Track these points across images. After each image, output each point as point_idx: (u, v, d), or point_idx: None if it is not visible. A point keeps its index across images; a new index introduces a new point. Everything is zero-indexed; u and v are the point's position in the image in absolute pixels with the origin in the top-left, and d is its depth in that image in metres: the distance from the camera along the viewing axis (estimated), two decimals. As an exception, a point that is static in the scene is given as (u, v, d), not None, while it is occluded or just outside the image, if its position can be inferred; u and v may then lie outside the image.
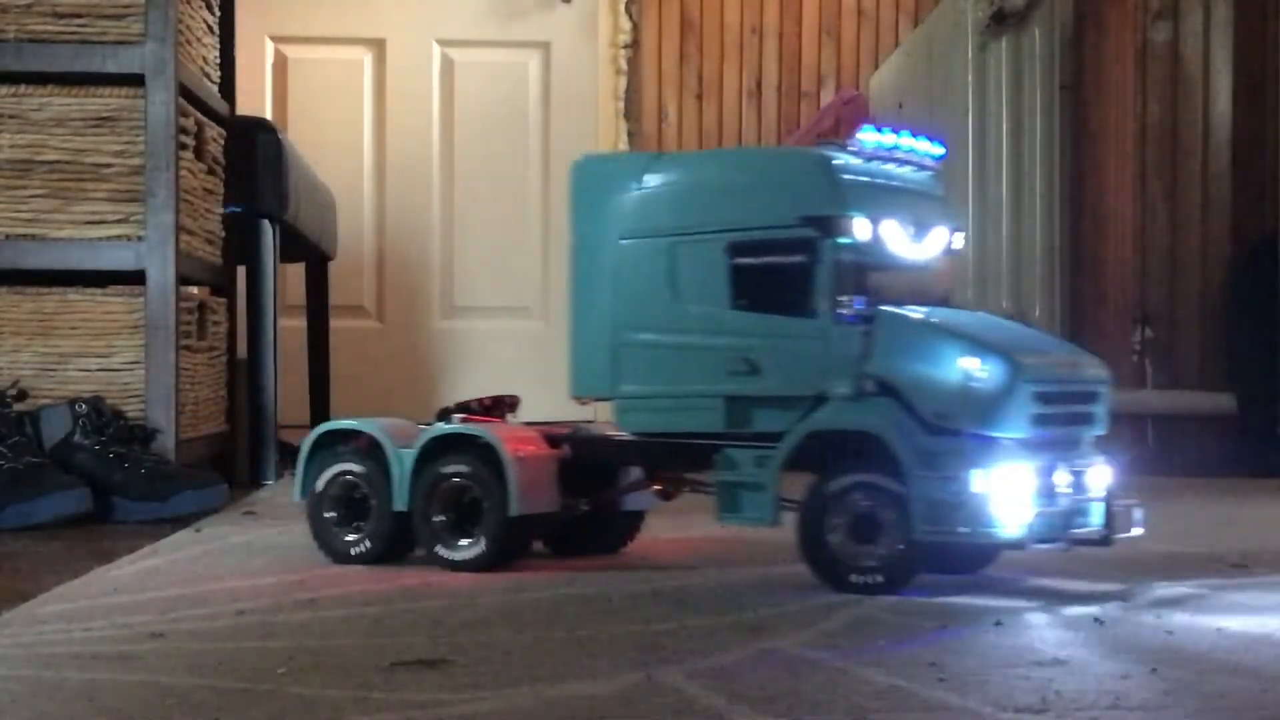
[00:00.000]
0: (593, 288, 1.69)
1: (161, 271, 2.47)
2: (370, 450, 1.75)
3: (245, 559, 1.80)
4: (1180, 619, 1.40)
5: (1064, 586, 1.59)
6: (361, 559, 1.74)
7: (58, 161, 2.48)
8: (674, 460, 1.69)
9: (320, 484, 1.76)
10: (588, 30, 4.73)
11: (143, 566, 1.74)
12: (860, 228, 1.54)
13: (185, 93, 2.56)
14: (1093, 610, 1.44)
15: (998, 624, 1.36)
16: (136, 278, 2.48)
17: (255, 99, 4.42)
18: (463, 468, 1.68)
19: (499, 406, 1.81)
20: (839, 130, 4.65)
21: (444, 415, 1.80)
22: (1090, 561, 1.77)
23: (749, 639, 1.29)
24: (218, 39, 2.92)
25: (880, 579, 1.50)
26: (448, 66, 4.73)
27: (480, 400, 1.82)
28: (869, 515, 1.50)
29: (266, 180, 2.93)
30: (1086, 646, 1.26)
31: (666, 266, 1.63)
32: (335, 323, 3.92)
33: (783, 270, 1.57)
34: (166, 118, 2.48)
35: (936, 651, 1.23)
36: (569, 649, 1.24)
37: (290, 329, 3.56)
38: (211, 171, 2.77)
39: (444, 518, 1.70)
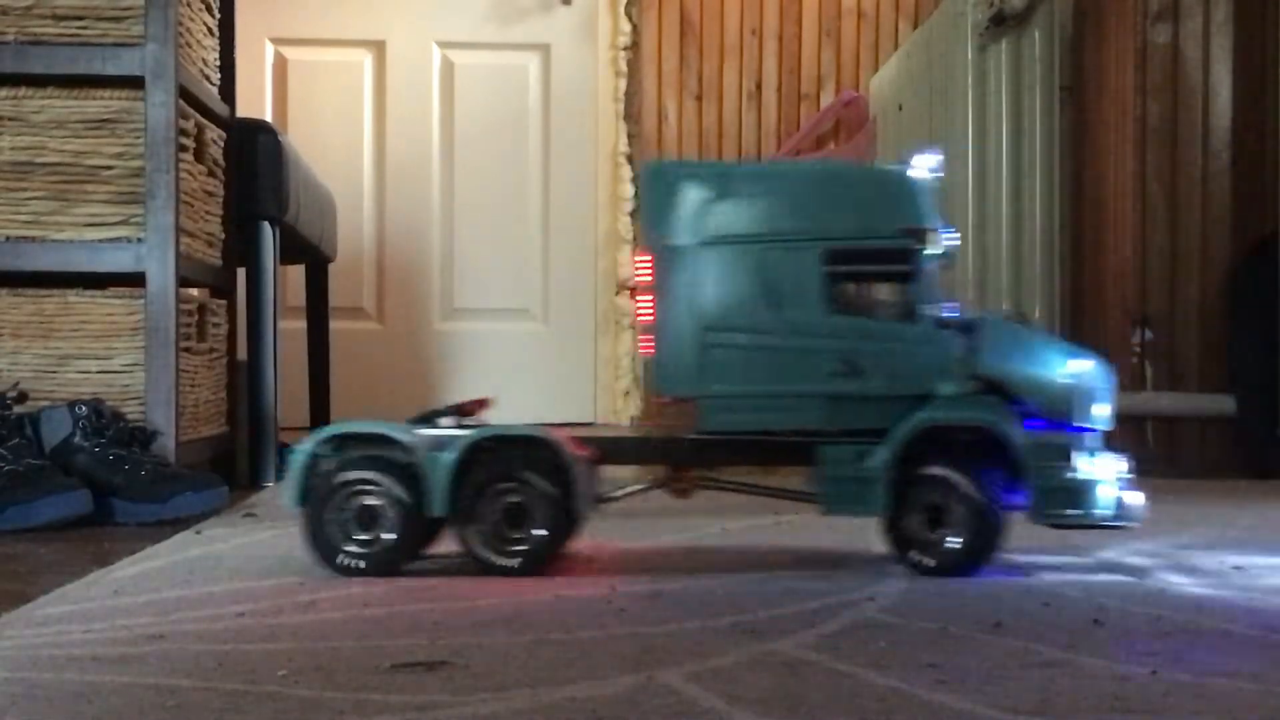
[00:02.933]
0: (676, 289, 1.74)
1: (161, 273, 2.48)
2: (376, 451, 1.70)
3: (245, 561, 1.80)
4: (1180, 621, 1.40)
5: (1063, 588, 1.59)
6: (372, 567, 1.68)
7: (58, 164, 2.48)
8: (746, 457, 1.75)
9: (325, 489, 1.69)
10: (587, 32, 4.73)
11: (143, 568, 1.74)
12: (949, 239, 1.70)
13: (185, 95, 2.56)
14: (1092, 612, 1.44)
15: (997, 625, 1.36)
16: (136, 280, 2.48)
17: (255, 101, 4.43)
18: (507, 468, 1.67)
19: (480, 408, 1.81)
20: (839, 132, 4.66)
21: (425, 419, 1.76)
22: (1089, 563, 1.77)
23: (749, 641, 1.29)
24: (218, 41, 2.93)
25: (932, 562, 1.66)
26: (448, 68, 4.73)
27: (464, 404, 1.80)
28: (940, 506, 1.65)
29: (266, 182, 2.94)
30: (1086, 648, 1.26)
31: (757, 271, 1.71)
32: (335, 324, 3.92)
33: (881, 277, 1.72)
34: (166, 120, 2.48)
35: (936, 653, 1.23)
36: (569, 651, 1.24)
37: (290, 331, 3.56)
38: (211, 173, 2.78)
39: (494, 521, 1.67)
